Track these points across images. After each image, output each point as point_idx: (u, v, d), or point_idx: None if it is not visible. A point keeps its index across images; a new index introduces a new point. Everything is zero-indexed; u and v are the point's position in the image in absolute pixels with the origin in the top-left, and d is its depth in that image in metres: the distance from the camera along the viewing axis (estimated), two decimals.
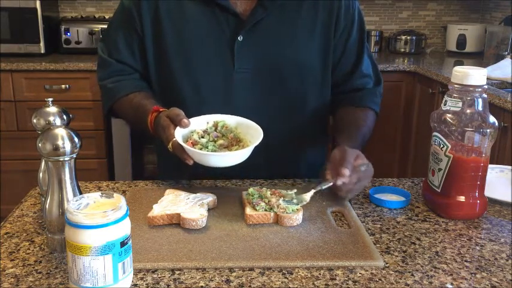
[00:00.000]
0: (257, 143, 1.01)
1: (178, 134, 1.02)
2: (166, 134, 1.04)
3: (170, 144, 1.03)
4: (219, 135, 1.07)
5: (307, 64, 1.24)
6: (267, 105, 1.24)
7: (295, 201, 1.02)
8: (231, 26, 1.20)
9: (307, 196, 1.03)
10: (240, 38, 1.19)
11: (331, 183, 1.02)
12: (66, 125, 0.95)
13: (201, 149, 1.01)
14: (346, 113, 1.30)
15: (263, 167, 1.27)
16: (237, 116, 1.10)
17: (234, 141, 1.06)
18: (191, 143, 1.03)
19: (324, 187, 1.03)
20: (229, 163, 1.00)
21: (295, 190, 1.06)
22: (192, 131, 1.06)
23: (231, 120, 1.09)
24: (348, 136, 1.20)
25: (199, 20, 1.20)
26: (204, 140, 1.04)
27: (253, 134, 1.05)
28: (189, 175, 1.21)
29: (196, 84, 1.22)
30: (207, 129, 1.08)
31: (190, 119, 1.05)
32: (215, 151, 1.02)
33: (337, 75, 1.30)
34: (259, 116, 1.21)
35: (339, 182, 1.01)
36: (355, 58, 1.30)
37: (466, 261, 0.86)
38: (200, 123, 1.08)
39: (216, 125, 1.08)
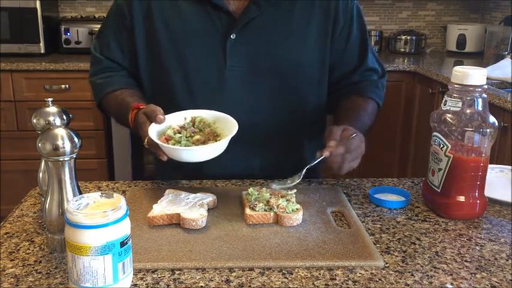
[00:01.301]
0: (231, 136, 1.00)
1: (153, 130, 1.02)
2: (143, 131, 1.04)
3: (146, 140, 1.03)
4: (196, 131, 1.06)
5: (300, 63, 1.24)
6: (260, 104, 1.24)
7: (289, 181, 1.05)
8: (224, 24, 1.20)
9: (299, 175, 1.06)
10: (232, 36, 1.19)
11: (321, 157, 1.04)
12: (66, 125, 0.95)
13: (174, 144, 1.01)
14: (346, 102, 1.30)
15: (259, 167, 1.27)
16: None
17: (211, 136, 1.05)
18: (165, 138, 1.02)
19: (313, 163, 1.05)
20: (202, 158, 1.00)
21: (294, 190, 1.06)
22: (168, 127, 1.05)
23: (208, 115, 1.09)
24: (345, 119, 1.19)
25: (192, 19, 1.21)
26: (178, 136, 1.04)
27: (230, 128, 1.04)
28: (183, 173, 1.22)
29: (188, 83, 1.23)
30: (184, 124, 1.07)
31: (168, 115, 1.05)
32: (187, 146, 1.02)
33: (340, 72, 1.31)
34: (253, 114, 1.21)
35: (326, 153, 1.03)
36: (358, 54, 1.30)
37: (466, 261, 0.86)
38: (178, 119, 1.08)
39: (193, 121, 1.08)
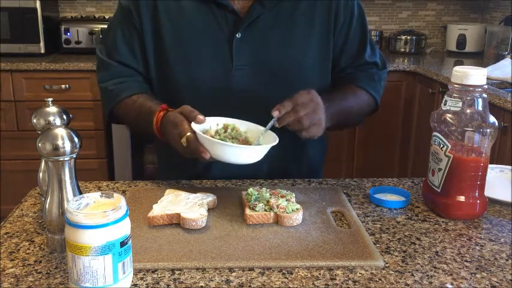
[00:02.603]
0: (274, 143, 1.01)
1: (196, 128, 1.02)
2: (180, 129, 1.02)
3: (184, 138, 1.01)
4: (229, 138, 1.07)
5: (305, 61, 1.25)
6: (266, 102, 1.24)
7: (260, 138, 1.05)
8: (229, 24, 1.20)
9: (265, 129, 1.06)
10: (238, 35, 1.20)
11: (273, 120, 1.05)
12: (66, 125, 0.95)
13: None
14: (336, 87, 1.30)
15: (262, 167, 1.27)
16: (243, 117, 1.10)
17: (244, 144, 1.06)
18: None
19: (268, 127, 1.05)
20: (247, 160, 1.00)
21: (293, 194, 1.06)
22: (206, 130, 1.05)
23: (240, 124, 1.09)
24: (323, 97, 1.17)
25: (197, 18, 1.21)
26: (220, 137, 1.04)
27: (263, 138, 1.05)
28: (188, 175, 1.21)
29: (194, 82, 1.22)
30: (217, 130, 1.08)
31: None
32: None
33: (339, 67, 1.31)
34: (258, 112, 1.21)
35: (275, 113, 1.04)
36: (357, 48, 1.31)
37: (466, 261, 0.86)
38: (210, 123, 1.08)
39: (225, 128, 1.08)
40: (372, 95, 1.31)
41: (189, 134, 1.01)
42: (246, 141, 1.06)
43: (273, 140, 1.03)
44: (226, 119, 1.09)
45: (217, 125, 1.08)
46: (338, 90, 1.27)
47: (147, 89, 1.27)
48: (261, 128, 1.08)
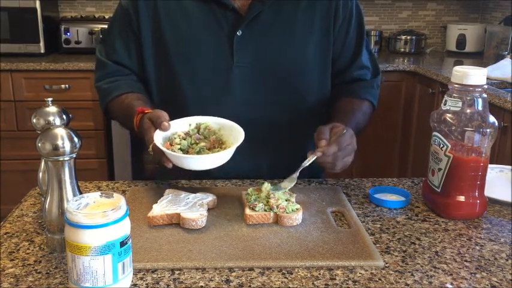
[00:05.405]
0: (237, 144, 0.99)
1: (158, 136, 1.01)
2: (148, 137, 1.03)
3: (150, 147, 1.02)
4: (201, 138, 1.05)
5: (306, 59, 1.25)
6: (267, 100, 1.24)
7: (282, 185, 1.03)
8: (230, 21, 1.21)
9: (293, 178, 1.04)
10: (239, 33, 1.20)
11: (313, 158, 1.04)
12: (66, 125, 0.95)
13: (180, 149, 1.00)
14: (341, 102, 1.31)
15: (266, 166, 1.27)
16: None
17: (216, 144, 1.04)
18: (169, 144, 1.01)
19: (306, 164, 1.05)
20: (208, 166, 0.99)
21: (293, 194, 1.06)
22: (174, 133, 1.04)
23: (213, 122, 1.08)
24: (341, 120, 1.19)
25: (197, 17, 1.21)
26: (184, 142, 1.03)
27: (235, 135, 1.03)
28: (188, 175, 1.21)
29: (196, 81, 1.23)
30: (189, 131, 1.06)
31: (172, 121, 1.04)
32: (199, 152, 1.01)
33: (337, 66, 1.32)
34: (259, 110, 1.22)
35: (318, 154, 1.03)
36: (353, 50, 1.32)
37: (465, 261, 0.86)
38: (182, 125, 1.07)
39: (198, 127, 1.07)
40: (372, 104, 1.33)
41: (154, 142, 1.00)
42: (217, 140, 1.05)
43: (239, 138, 1.00)
44: (198, 118, 1.08)
45: (190, 125, 1.07)
46: (350, 112, 1.26)
47: (140, 88, 1.28)
48: (236, 125, 1.05)
